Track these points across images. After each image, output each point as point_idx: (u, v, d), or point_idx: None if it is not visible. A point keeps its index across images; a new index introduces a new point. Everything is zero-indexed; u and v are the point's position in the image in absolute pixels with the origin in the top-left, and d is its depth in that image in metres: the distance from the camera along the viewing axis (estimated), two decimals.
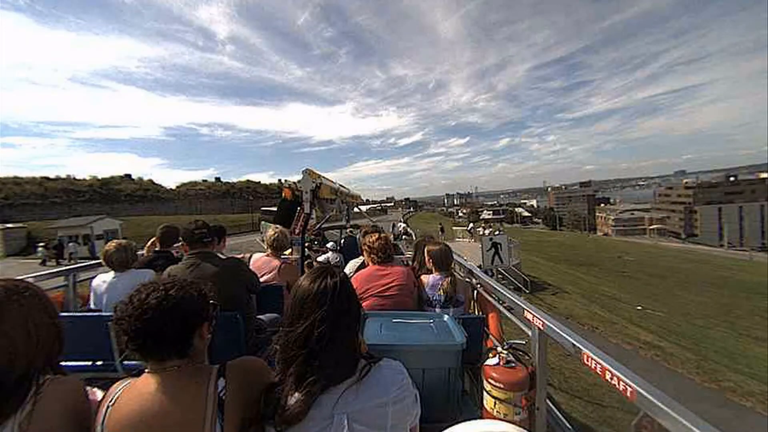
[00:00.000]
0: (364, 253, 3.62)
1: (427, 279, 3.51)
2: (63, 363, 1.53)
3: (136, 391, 1.40)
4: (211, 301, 1.57)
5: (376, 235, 3.60)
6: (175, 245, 4.09)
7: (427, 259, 3.63)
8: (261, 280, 3.95)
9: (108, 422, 1.34)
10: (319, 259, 6.65)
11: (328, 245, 7.42)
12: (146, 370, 1.45)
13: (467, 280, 4.04)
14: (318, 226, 8.79)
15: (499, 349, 2.73)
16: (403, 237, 11.48)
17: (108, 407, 1.38)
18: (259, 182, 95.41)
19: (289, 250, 6.06)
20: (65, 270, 4.17)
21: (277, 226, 4.47)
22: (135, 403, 1.37)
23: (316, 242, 9.22)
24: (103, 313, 3.09)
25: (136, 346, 1.40)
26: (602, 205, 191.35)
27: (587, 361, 2.01)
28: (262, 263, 4.27)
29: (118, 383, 1.45)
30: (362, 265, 3.89)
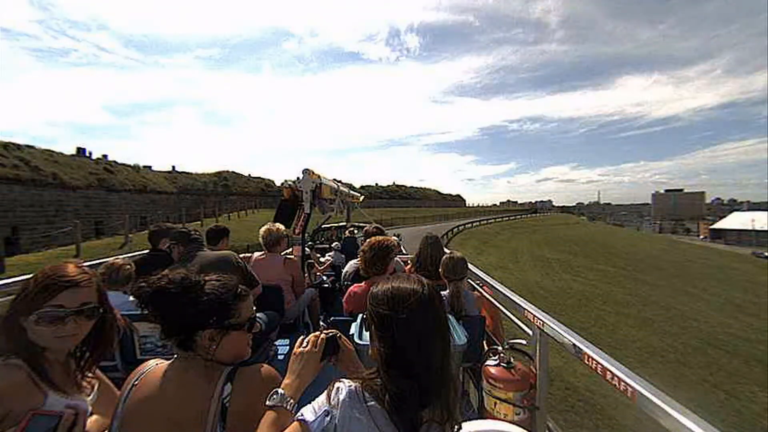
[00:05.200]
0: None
1: None
2: None
3: (155, 375, 1.37)
4: (235, 311, 1.45)
5: (373, 240, 3.10)
6: (167, 243, 4.00)
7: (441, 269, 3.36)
8: (266, 277, 3.96)
9: (128, 401, 1.33)
10: (322, 259, 6.65)
11: (333, 245, 7.43)
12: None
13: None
14: (319, 225, 8.79)
15: (499, 349, 2.73)
16: None
17: (132, 385, 1.36)
18: None
19: (290, 249, 6.04)
20: None
21: (275, 223, 4.48)
22: (150, 387, 1.35)
23: (320, 242, 9.19)
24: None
25: (151, 315, 1.36)
26: None
27: (587, 361, 2.01)
28: (264, 261, 4.26)
29: (148, 362, 1.42)
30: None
